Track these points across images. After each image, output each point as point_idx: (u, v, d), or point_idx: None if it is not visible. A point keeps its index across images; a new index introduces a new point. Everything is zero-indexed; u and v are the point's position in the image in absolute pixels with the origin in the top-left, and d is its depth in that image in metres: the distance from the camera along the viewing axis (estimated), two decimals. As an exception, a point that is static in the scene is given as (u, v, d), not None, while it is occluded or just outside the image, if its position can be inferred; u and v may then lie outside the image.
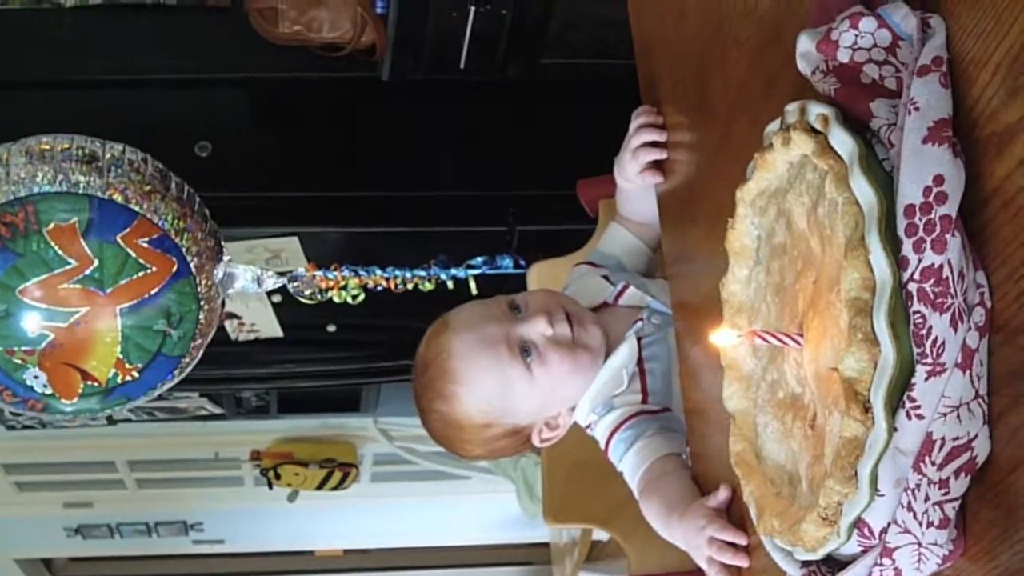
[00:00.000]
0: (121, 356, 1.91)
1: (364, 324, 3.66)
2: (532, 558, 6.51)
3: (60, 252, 1.87)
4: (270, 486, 5.17)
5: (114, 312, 1.88)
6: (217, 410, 4.42)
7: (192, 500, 5.75)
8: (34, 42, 3.29)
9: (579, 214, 2.41)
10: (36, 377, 1.90)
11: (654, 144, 1.85)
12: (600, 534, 4.59)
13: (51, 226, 1.87)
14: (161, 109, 3.26)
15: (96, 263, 1.88)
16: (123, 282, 1.89)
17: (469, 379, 1.88)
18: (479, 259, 2.51)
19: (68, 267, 1.87)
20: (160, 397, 2.17)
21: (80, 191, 1.90)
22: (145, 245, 1.91)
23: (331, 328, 3.67)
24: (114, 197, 1.91)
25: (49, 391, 1.92)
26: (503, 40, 3.21)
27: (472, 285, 2.59)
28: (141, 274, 1.90)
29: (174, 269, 1.93)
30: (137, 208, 1.92)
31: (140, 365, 1.93)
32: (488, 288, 2.34)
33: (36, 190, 1.89)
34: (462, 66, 3.24)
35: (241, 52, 3.33)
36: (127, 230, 1.90)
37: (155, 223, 1.93)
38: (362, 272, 2.25)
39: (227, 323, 3.47)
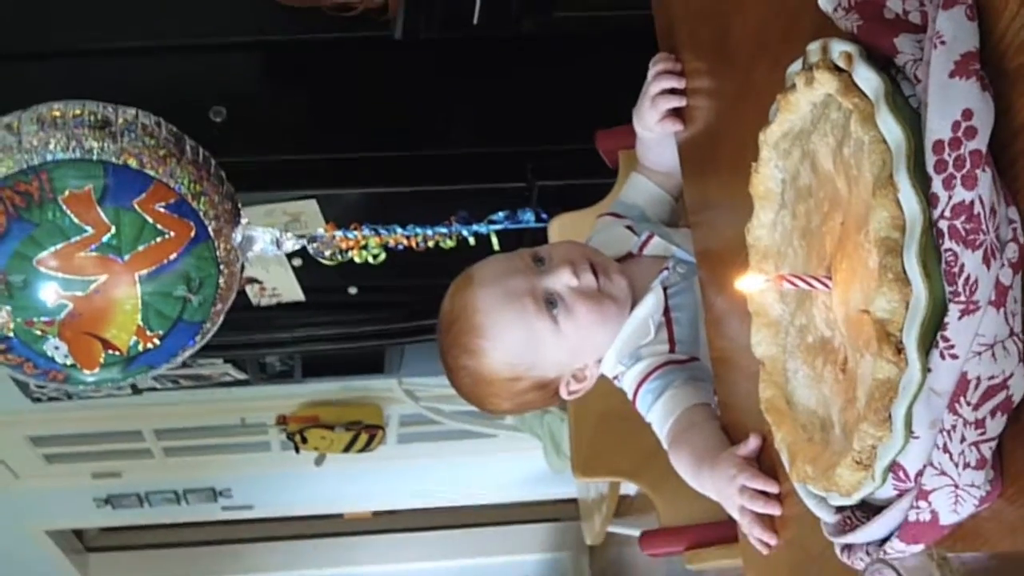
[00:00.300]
0: (142, 323, 1.90)
1: (386, 285, 3.65)
2: (560, 514, 6.53)
3: (76, 220, 1.85)
4: (297, 450, 5.19)
5: (133, 279, 1.87)
6: (241, 376, 4.42)
7: (220, 467, 5.77)
8: (44, 11, 3.27)
9: (599, 167, 2.39)
10: (57, 348, 1.89)
11: (673, 91, 1.83)
12: (628, 489, 4.60)
13: (66, 194, 1.86)
14: (174, 75, 3.24)
15: (113, 230, 1.87)
16: (141, 248, 1.88)
17: (495, 333, 1.86)
18: (500, 214, 2.49)
19: (85, 235, 1.86)
20: (184, 364, 2.16)
21: (94, 157, 1.89)
22: (162, 210, 1.90)
23: (352, 290, 3.66)
24: (129, 162, 1.90)
25: (70, 361, 1.91)
26: (516, -6, 3.18)
27: (494, 241, 2.57)
28: (159, 240, 1.89)
29: (192, 234, 1.92)
30: (152, 173, 1.90)
31: (161, 332, 1.92)
32: (510, 244, 2.33)
33: (49, 158, 1.87)
34: (475, 22, 3.21)
35: (253, 15, 3.31)
36: (143, 195, 1.89)
37: (171, 187, 1.91)
38: (382, 231, 2.24)
39: (248, 288, 3.46)
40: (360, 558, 6.82)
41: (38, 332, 1.88)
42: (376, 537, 6.85)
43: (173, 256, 1.90)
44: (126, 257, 1.88)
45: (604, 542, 5.47)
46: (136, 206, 1.89)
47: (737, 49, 1.55)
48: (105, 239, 1.87)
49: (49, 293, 1.85)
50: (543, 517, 6.71)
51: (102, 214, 1.87)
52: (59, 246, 1.85)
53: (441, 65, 3.36)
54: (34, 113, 1.91)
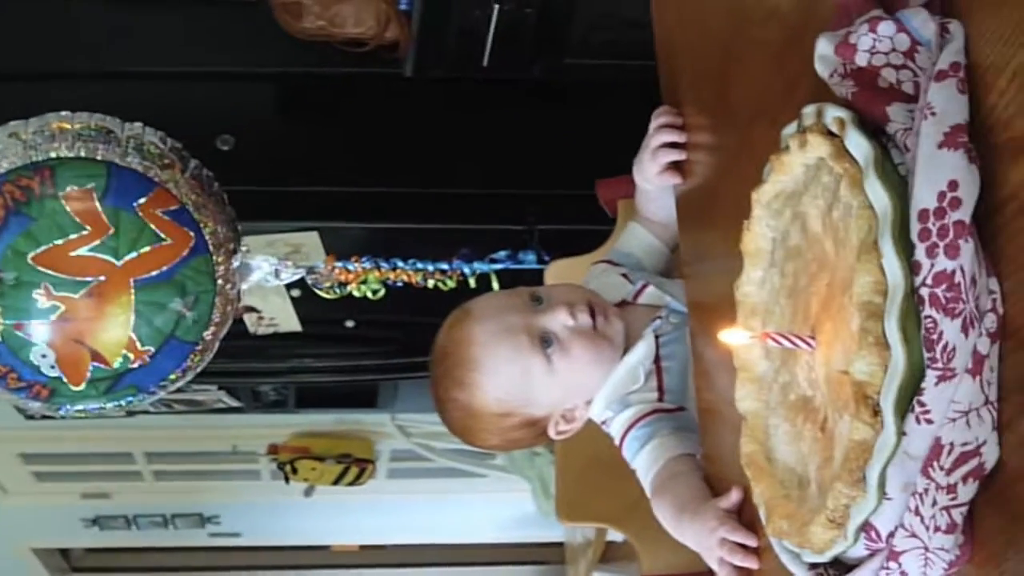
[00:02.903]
0: (133, 335, 1.87)
1: (383, 320, 3.66)
2: (546, 557, 6.51)
3: (75, 218, 1.83)
4: (287, 480, 5.18)
5: (128, 284, 1.85)
6: (235, 403, 4.42)
7: (209, 493, 5.76)
8: (57, 33, 3.30)
9: (598, 214, 2.41)
10: (44, 356, 1.86)
11: (673, 145, 1.85)
12: (615, 535, 4.60)
13: (67, 190, 1.84)
14: (184, 102, 3.26)
15: (112, 230, 1.84)
16: (139, 252, 1.85)
17: (489, 368, 1.88)
18: (502, 253, 2.50)
19: (83, 233, 1.83)
20: (178, 390, 2.16)
21: (98, 157, 1.88)
22: (163, 216, 1.88)
23: (349, 323, 3.67)
24: (132, 166, 1.89)
25: (56, 373, 1.88)
26: (527, 39, 3.21)
27: (495, 284, 2.59)
28: (158, 245, 1.86)
29: (192, 244, 1.90)
30: (155, 178, 1.89)
31: (152, 348, 1.89)
32: (508, 286, 2.34)
33: (53, 155, 1.87)
34: (485, 64, 3.24)
35: (265, 46, 3.34)
36: (145, 199, 1.87)
37: (173, 195, 1.90)
38: (383, 264, 2.24)
39: (246, 316, 3.47)
40: (345, 591, 6.80)
41: (26, 337, 1.86)
42: (363, 571, 6.83)
43: (170, 264, 1.88)
44: (123, 260, 1.85)
45: (588, 588, 5.46)
46: (137, 209, 1.87)
47: (738, 107, 1.57)
48: (103, 239, 1.85)
49: (42, 293, 1.83)
50: (530, 559, 6.68)
51: (102, 214, 1.84)
52: (56, 243, 1.83)
53: (449, 105, 3.39)
54: (41, 122, 1.91)
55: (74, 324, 1.85)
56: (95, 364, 1.89)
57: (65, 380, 1.90)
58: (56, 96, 3.19)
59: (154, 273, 1.88)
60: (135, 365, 1.91)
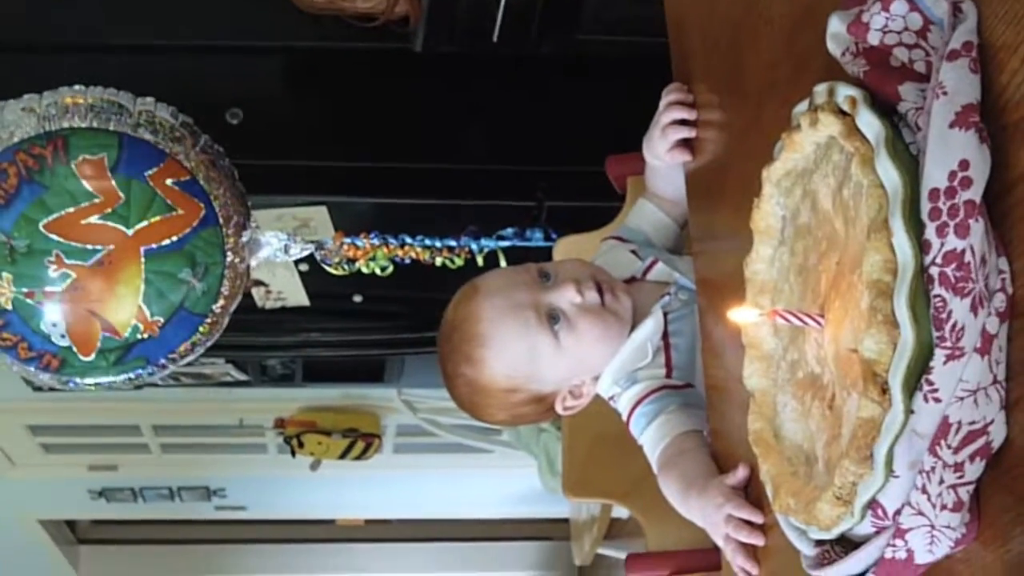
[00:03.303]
0: (143, 304, 1.88)
1: (390, 295, 3.67)
2: (551, 533, 6.54)
3: (87, 186, 1.85)
4: (293, 454, 5.20)
5: (138, 252, 1.86)
6: (242, 377, 4.43)
7: (215, 466, 5.78)
8: (67, 5, 3.30)
9: (608, 190, 2.41)
10: (54, 325, 1.87)
11: (684, 122, 1.85)
12: (620, 511, 4.61)
13: (79, 159, 1.86)
14: (193, 76, 3.26)
15: (123, 199, 1.86)
16: (149, 221, 1.87)
17: (496, 344, 1.88)
18: (509, 230, 2.50)
19: (94, 201, 1.85)
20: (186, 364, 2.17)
21: (111, 128, 1.89)
22: (174, 186, 1.89)
23: (357, 298, 3.68)
24: (144, 137, 1.90)
25: (66, 343, 1.89)
26: (537, 14, 3.20)
27: (502, 262, 2.59)
28: (168, 215, 1.88)
29: (202, 214, 1.92)
30: (167, 150, 1.90)
31: (161, 319, 1.90)
32: (519, 261, 2.34)
33: (66, 124, 1.88)
34: (495, 39, 3.24)
35: (275, 21, 3.33)
36: (156, 169, 1.89)
37: (184, 166, 1.91)
38: (391, 240, 2.24)
39: (254, 290, 3.48)
40: (350, 565, 6.82)
41: (37, 305, 1.87)
42: (367, 545, 6.86)
43: (181, 234, 1.89)
44: (134, 228, 1.87)
45: (593, 564, 5.48)
46: (148, 178, 1.88)
47: (749, 85, 1.57)
48: (114, 208, 1.86)
49: (53, 260, 1.84)
50: (534, 535, 6.71)
51: (113, 183, 1.86)
52: (68, 211, 1.85)
53: (459, 80, 3.38)
54: (55, 96, 1.92)
55: (84, 292, 1.87)
56: (105, 334, 1.90)
57: (75, 350, 1.91)
58: (67, 69, 3.18)
59: (164, 243, 1.89)
60: (144, 336, 1.92)
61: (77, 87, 1.97)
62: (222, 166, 2.00)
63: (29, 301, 1.87)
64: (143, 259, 1.88)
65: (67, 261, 1.86)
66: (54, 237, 1.85)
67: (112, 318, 1.90)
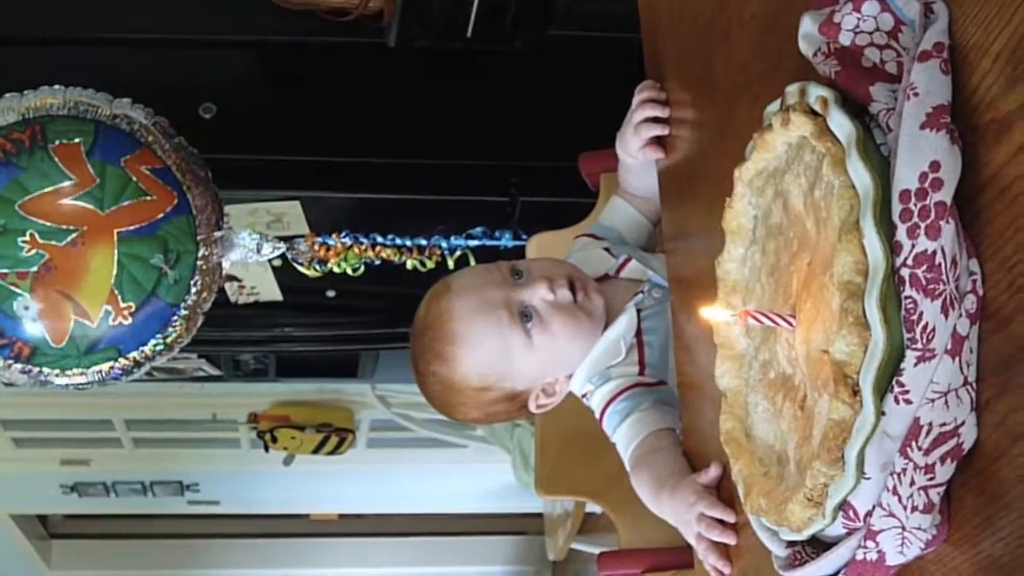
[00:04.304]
0: (115, 287, 1.90)
1: (363, 290, 3.66)
2: (525, 528, 6.54)
3: (63, 168, 1.88)
4: (266, 449, 5.19)
5: (111, 235, 1.89)
6: (215, 372, 4.42)
7: (188, 461, 5.77)
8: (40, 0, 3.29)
9: (582, 187, 2.41)
10: (27, 308, 1.89)
11: (656, 120, 1.84)
12: (593, 507, 4.62)
13: (56, 143, 1.89)
14: (166, 70, 3.25)
15: (98, 181, 1.89)
16: (123, 204, 1.90)
17: (468, 342, 1.88)
18: (479, 229, 2.50)
19: (69, 183, 1.88)
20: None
21: (88, 117, 1.91)
22: (148, 172, 1.93)
23: (331, 293, 3.67)
24: (120, 126, 1.92)
25: (38, 328, 1.90)
26: (511, 9, 3.20)
27: (472, 262, 2.59)
28: (142, 199, 1.91)
29: (175, 202, 1.94)
30: (142, 140, 1.93)
31: (133, 305, 1.92)
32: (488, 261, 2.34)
33: (45, 113, 1.90)
34: (469, 34, 3.23)
35: (248, 15, 3.32)
36: (130, 156, 1.92)
37: (159, 156, 1.93)
38: (362, 239, 2.25)
39: (227, 285, 3.47)
40: (324, 560, 6.81)
41: (10, 286, 1.88)
42: (341, 540, 6.86)
43: (153, 219, 1.92)
44: (107, 210, 1.89)
45: (567, 558, 5.49)
46: (123, 163, 1.91)
47: (721, 84, 1.57)
48: (89, 189, 1.88)
49: (28, 240, 1.86)
50: (508, 530, 6.71)
51: (88, 166, 1.89)
52: (43, 191, 1.87)
53: (433, 75, 3.38)
54: (33, 98, 1.93)
55: (57, 273, 1.89)
56: (76, 319, 1.91)
57: (47, 337, 1.91)
58: (40, 63, 3.19)
59: (137, 226, 1.91)
60: (115, 322, 1.93)
61: (56, 87, 1.98)
62: (196, 167, 2.01)
63: (1, 282, 1.88)
64: (116, 241, 1.90)
65: (40, 240, 1.87)
66: (29, 217, 1.88)
67: (84, 300, 1.91)
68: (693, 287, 1.66)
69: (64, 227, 1.88)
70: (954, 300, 0.97)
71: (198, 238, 1.96)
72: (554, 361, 1.90)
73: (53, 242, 1.88)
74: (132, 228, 1.91)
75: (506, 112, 3.31)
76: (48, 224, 1.88)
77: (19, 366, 1.96)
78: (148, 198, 1.92)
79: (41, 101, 1.94)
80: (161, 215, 1.93)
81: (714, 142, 1.61)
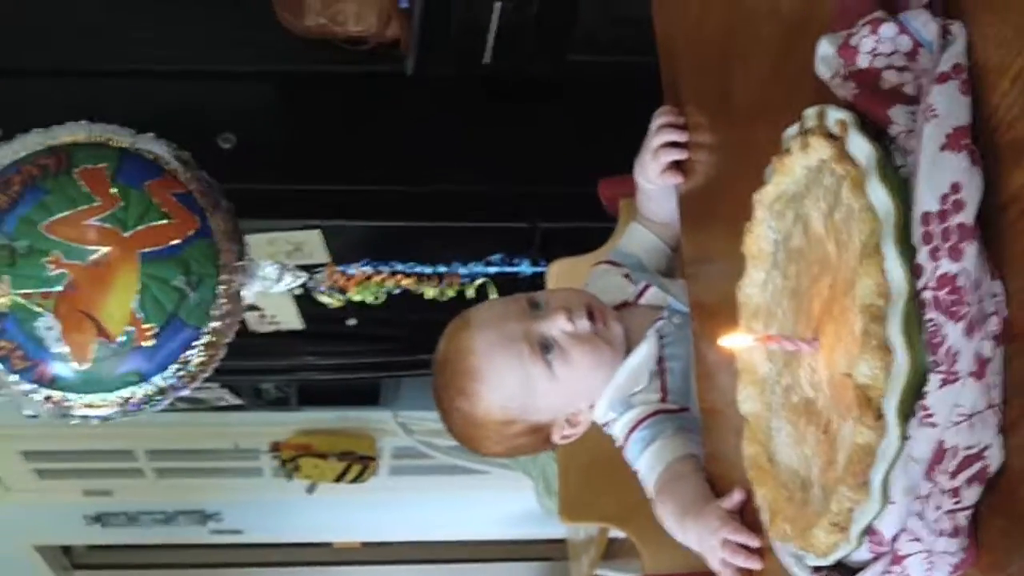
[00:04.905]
0: (137, 308, 1.91)
1: (384, 318, 3.65)
2: (549, 554, 6.51)
3: (87, 190, 1.90)
4: (289, 478, 5.19)
5: (134, 255, 1.91)
6: (237, 401, 4.42)
7: (211, 490, 5.76)
8: (58, 29, 3.30)
9: (602, 212, 2.41)
10: (50, 328, 1.90)
11: (675, 144, 1.84)
12: (617, 532, 4.60)
13: (81, 168, 1.92)
14: (185, 100, 3.27)
15: (121, 203, 1.92)
16: (145, 226, 1.92)
17: (490, 377, 1.87)
18: (497, 256, 2.50)
19: (93, 204, 1.90)
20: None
21: (113, 145, 1.94)
22: (171, 197, 1.95)
23: (351, 322, 3.67)
24: (144, 155, 1.95)
25: (62, 348, 1.91)
26: (529, 36, 3.20)
27: (493, 294, 2.59)
28: (164, 222, 1.94)
29: (197, 226, 1.97)
30: (165, 167, 1.95)
31: (156, 327, 1.93)
32: (509, 290, 2.34)
33: (70, 140, 1.93)
34: (487, 61, 3.24)
35: (266, 44, 3.34)
36: (154, 181, 1.94)
37: (181, 181, 1.96)
38: (382, 268, 2.25)
39: (248, 314, 3.47)
40: (347, 588, 6.80)
41: (35, 307, 1.89)
42: (364, 568, 6.83)
43: (175, 242, 1.94)
44: (130, 231, 1.91)
45: (591, 584, 5.46)
46: (146, 187, 1.94)
47: (739, 107, 1.57)
48: (112, 211, 1.90)
49: (52, 260, 1.87)
50: (533, 556, 6.68)
51: (112, 188, 1.91)
52: (67, 213, 1.89)
53: (451, 103, 3.39)
54: (59, 133, 1.96)
55: (81, 293, 1.90)
56: (100, 339, 1.93)
57: (70, 357, 1.93)
58: (63, 93, 3.21)
59: (160, 248, 1.93)
60: (137, 344, 1.94)
61: (82, 122, 2.01)
62: (217, 196, 2.02)
63: (26, 303, 1.90)
64: (139, 262, 1.92)
65: (65, 260, 1.90)
66: (53, 237, 1.90)
67: (106, 320, 1.92)
68: (714, 312, 1.66)
69: (88, 248, 1.90)
70: (977, 322, 0.97)
71: (219, 263, 1.97)
72: (576, 391, 1.90)
73: (77, 261, 1.90)
74: (155, 249, 1.93)
75: (525, 138, 3.32)
76: (72, 244, 1.90)
77: (43, 392, 1.97)
78: (171, 221, 1.94)
79: (68, 136, 1.97)
80: (183, 238, 1.95)
81: (733, 166, 1.61)
